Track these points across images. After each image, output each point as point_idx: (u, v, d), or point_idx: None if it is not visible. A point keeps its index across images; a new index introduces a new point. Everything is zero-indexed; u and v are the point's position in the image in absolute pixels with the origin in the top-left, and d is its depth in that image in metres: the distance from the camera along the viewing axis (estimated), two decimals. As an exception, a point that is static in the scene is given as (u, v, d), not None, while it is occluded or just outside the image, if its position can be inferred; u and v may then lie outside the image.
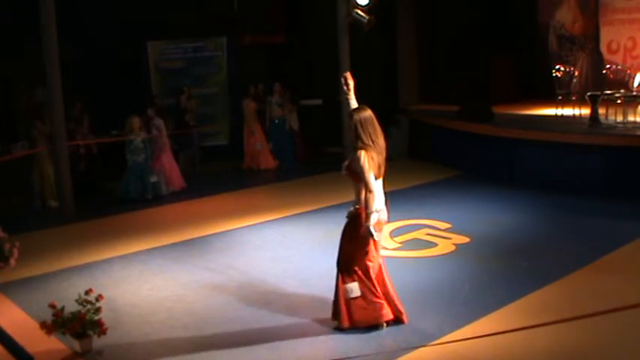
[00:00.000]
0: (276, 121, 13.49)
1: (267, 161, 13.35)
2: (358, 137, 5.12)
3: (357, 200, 5.20)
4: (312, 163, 13.42)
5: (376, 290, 5.26)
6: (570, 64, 12.52)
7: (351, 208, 5.26)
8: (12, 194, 11.13)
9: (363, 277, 5.23)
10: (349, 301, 5.23)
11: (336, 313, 5.32)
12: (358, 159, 5.05)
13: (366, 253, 5.19)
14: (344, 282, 5.25)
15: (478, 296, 5.96)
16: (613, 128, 10.03)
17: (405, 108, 14.22)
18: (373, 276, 5.27)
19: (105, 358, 5.14)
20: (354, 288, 5.22)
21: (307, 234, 8.38)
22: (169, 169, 11.41)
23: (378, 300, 5.25)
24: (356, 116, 5.16)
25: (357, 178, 5.10)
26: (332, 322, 5.40)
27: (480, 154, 11.39)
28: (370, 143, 5.11)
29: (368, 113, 5.19)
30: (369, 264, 5.24)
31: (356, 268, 5.23)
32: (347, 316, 5.24)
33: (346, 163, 5.21)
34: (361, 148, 5.09)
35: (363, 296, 5.23)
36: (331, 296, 5.40)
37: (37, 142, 10.75)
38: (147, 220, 9.68)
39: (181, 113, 12.98)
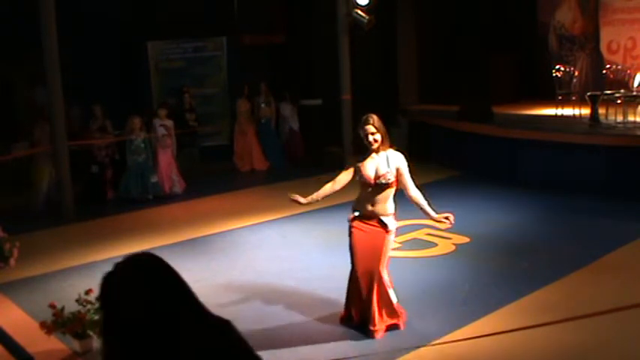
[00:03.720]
0: (263, 121, 13.52)
1: (259, 162, 13.36)
2: (386, 138, 5.22)
3: (387, 207, 5.21)
4: (312, 163, 13.41)
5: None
6: (570, 64, 12.52)
7: (377, 218, 5.21)
8: (12, 194, 11.12)
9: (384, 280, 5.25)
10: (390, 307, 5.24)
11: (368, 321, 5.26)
12: (402, 158, 5.23)
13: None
14: (388, 287, 5.24)
15: (478, 296, 5.96)
16: (613, 128, 10.03)
17: (405, 108, 14.22)
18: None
19: (105, 358, 5.13)
20: (392, 294, 5.27)
21: (307, 234, 8.39)
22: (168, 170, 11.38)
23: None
24: (378, 120, 5.20)
25: (396, 182, 5.19)
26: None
27: (480, 154, 11.39)
28: None
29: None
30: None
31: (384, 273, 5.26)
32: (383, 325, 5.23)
33: (388, 171, 5.13)
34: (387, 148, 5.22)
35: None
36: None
37: (40, 142, 10.66)
38: (147, 220, 9.68)
39: (183, 113, 12.97)
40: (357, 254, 5.22)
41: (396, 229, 5.36)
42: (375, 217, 5.20)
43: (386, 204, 5.21)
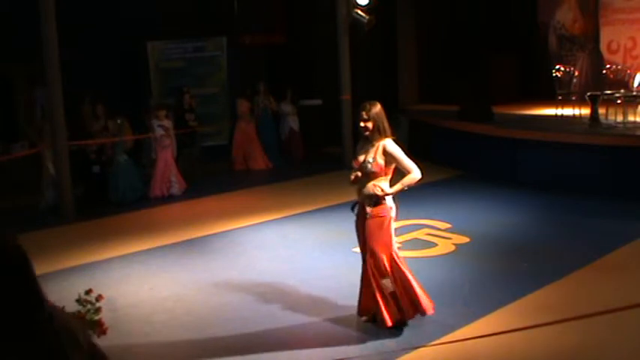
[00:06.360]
0: (261, 110, 13.52)
1: (258, 162, 13.34)
2: (382, 129, 5.15)
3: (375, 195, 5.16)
4: (312, 163, 13.41)
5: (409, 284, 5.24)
6: (570, 64, 12.51)
7: (369, 204, 5.18)
8: (12, 194, 11.11)
9: (393, 270, 5.21)
10: (387, 297, 5.19)
11: (375, 312, 5.25)
12: (390, 146, 5.14)
13: (389, 245, 5.20)
14: (379, 278, 5.19)
15: (478, 296, 5.96)
16: (613, 128, 10.03)
17: (405, 108, 14.22)
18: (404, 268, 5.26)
19: (105, 358, 5.13)
20: (386, 284, 5.21)
21: (307, 234, 8.38)
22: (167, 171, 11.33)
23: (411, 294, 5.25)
24: (374, 110, 5.17)
25: (387, 169, 5.16)
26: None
27: (480, 154, 11.38)
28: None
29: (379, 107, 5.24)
30: (395, 257, 5.24)
31: (385, 263, 5.21)
32: (388, 315, 5.17)
33: (371, 159, 5.12)
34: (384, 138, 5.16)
35: (395, 291, 5.23)
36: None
37: (45, 139, 10.63)
38: (147, 220, 9.67)
39: (183, 113, 12.96)
40: (359, 242, 5.34)
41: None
42: (366, 204, 5.22)
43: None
